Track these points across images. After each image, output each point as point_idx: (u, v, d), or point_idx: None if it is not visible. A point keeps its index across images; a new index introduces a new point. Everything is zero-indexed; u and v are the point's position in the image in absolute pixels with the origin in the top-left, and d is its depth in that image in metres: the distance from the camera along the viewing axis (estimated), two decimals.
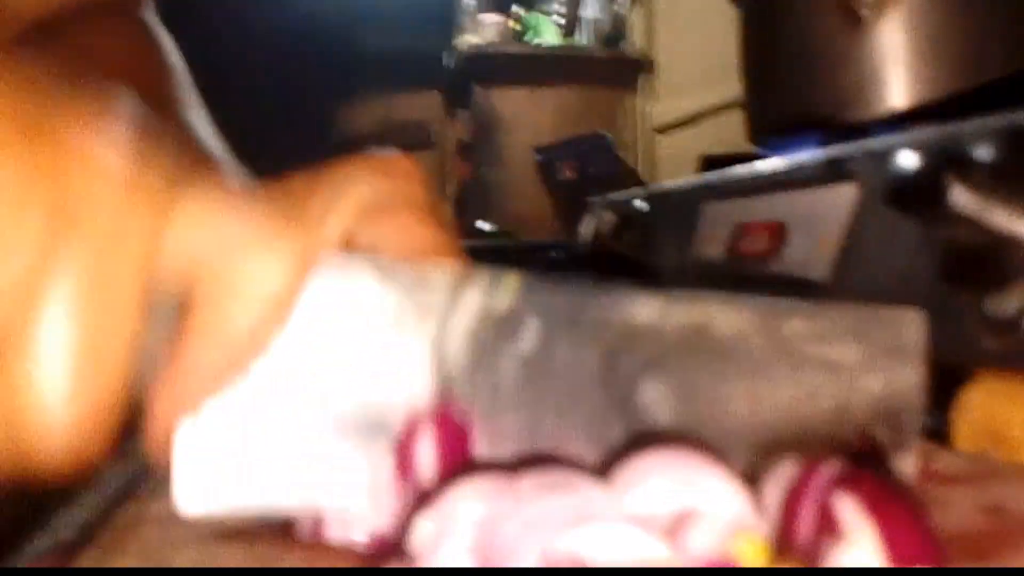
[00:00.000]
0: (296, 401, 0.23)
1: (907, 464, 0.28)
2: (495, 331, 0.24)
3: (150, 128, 0.21)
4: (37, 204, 0.19)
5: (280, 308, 0.22)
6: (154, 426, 0.22)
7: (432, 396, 0.24)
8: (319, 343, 0.23)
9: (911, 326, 0.28)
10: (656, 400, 0.26)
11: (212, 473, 0.23)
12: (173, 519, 0.30)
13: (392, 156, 0.30)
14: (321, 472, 0.24)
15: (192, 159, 0.22)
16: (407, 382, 0.24)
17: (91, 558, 0.26)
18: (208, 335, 0.21)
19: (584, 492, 0.20)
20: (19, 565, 0.29)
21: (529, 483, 0.21)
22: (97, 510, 0.32)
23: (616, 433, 0.25)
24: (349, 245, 0.26)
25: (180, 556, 0.26)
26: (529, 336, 0.25)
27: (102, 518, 0.31)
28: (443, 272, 0.24)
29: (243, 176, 0.36)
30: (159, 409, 0.22)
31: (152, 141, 0.21)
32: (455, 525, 0.20)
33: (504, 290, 0.25)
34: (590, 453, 0.25)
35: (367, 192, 0.28)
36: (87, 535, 0.29)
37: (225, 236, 0.21)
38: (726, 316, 0.26)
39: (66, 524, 0.31)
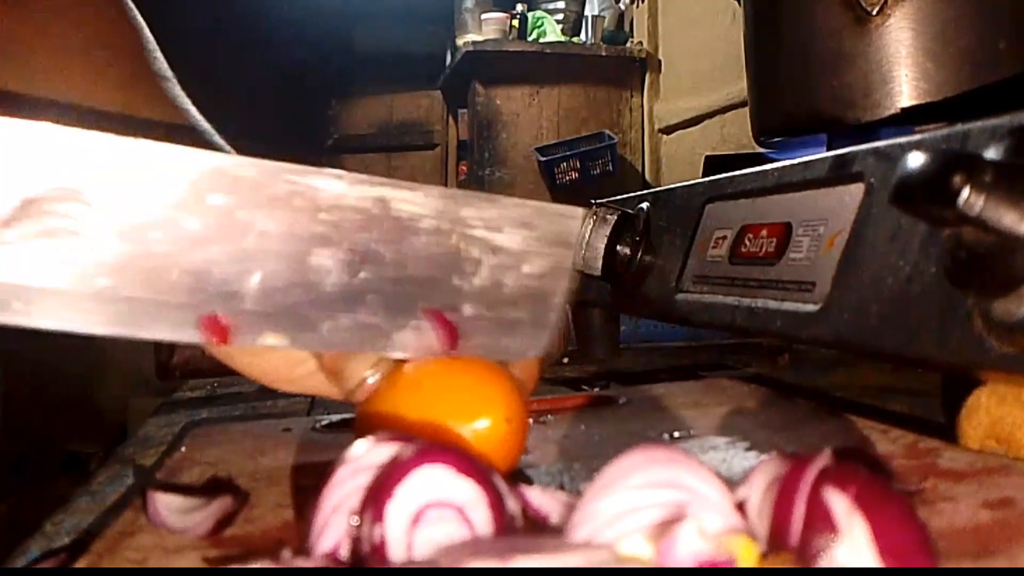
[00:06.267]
0: None
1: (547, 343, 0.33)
2: (186, 191, 0.27)
3: None
4: None
5: None
6: None
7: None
8: None
9: (574, 220, 0.33)
10: (327, 264, 0.29)
11: None
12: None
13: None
14: None
15: None
16: None
17: (86, 564, 0.26)
18: None
19: None
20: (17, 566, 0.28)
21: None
22: (92, 516, 0.32)
23: (286, 285, 0.29)
24: None
25: (175, 564, 0.26)
26: (218, 199, 0.28)
27: (97, 525, 0.30)
28: None
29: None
30: None
31: None
32: None
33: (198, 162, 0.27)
34: (258, 301, 0.29)
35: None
36: (82, 541, 0.28)
37: None
38: (406, 198, 0.30)
39: (60, 530, 0.31)
